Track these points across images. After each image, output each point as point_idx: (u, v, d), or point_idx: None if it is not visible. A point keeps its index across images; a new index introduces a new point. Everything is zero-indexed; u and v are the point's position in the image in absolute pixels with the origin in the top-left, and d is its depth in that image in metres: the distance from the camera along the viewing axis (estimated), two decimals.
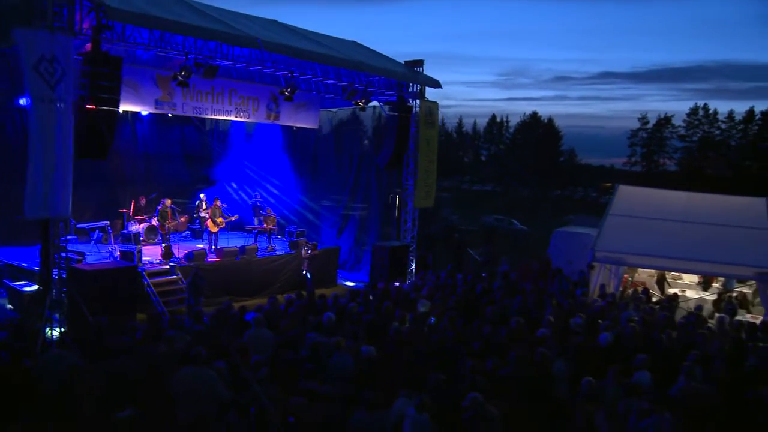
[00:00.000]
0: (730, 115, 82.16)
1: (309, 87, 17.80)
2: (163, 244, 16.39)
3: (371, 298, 13.13)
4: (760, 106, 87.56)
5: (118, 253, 15.44)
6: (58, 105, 10.83)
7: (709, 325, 13.58)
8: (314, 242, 18.17)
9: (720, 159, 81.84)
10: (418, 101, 19.18)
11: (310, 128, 21.23)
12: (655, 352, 10.62)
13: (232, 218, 18.39)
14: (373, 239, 20.68)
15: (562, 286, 15.24)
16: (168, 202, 17.09)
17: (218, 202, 18.07)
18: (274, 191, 21.99)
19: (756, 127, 79.65)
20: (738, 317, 14.72)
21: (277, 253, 18.37)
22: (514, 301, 13.09)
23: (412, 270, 19.85)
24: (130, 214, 18.11)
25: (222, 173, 22.15)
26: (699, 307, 14.65)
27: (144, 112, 18.45)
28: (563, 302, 13.25)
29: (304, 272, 17.37)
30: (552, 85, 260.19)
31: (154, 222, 17.51)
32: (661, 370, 9.74)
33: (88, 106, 11.41)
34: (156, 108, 15.48)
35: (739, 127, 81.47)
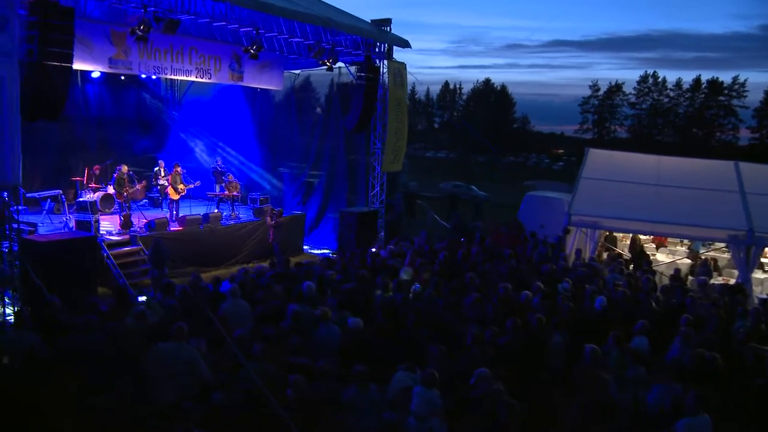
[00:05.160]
0: (678, 83, 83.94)
1: (272, 46, 16.80)
2: (122, 213, 15.40)
3: (338, 264, 12.51)
4: (704, 76, 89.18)
5: (73, 223, 14.44)
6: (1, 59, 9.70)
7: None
8: (280, 209, 17.37)
9: (668, 126, 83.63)
10: (385, 62, 18.39)
11: (270, 92, 20.65)
12: (646, 316, 10.34)
13: (194, 185, 17.48)
14: (340, 206, 19.96)
15: (540, 250, 14.81)
16: (125, 168, 16.10)
17: (179, 168, 17.14)
18: (234, 156, 21.01)
19: (702, 96, 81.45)
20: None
21: (241, 221, 17.57)
22: (499, 267, 12.64)
23: (380, 236, 19.29)
24: (84, 182, 17.02)
25: (179, 138, 21.12)
26: (677, 271, 14.48)
27: (95, 74, 17.37)
28: (544, 267, 12.82)
29: (271, 241, 16.59)
30: (503, 53, 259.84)
31: (110, 190, 16.48)
32: (653, 335, 9.44)
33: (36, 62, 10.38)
34: (110, 67, 14.29)
35: (687, 95, 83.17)
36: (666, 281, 14.02)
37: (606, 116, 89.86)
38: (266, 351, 7.05)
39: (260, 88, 19.17)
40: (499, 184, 49.56)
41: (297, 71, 20.45)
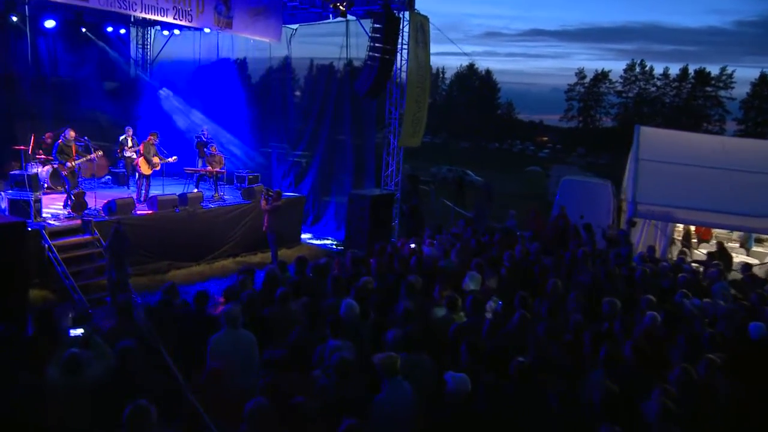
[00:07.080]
0: (666, 73, 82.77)
1: None
2: (73, 192, 11.90)
3: (374, 265, 9.06)
4: (676, 69, 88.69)
5: (5, 203, 11.03)
6: None
7: None
8: (278, 190, 13.92)
9: (655, 115, 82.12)
10: (407, 13, 15.00)
11: (258, 53, 17.81)
12: None
13: (171, 160, 13.97)
14: (344, 188, 16.77)
15: (621, 250, 11.54)
16: (71, 133, 12.46)
17: (154, 138, 13.76)
18: (214, 130, 17.40)
19: (689, 86, 79.91)
20: None
21: (228, 203, 14.19)
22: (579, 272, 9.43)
23: (394, 225, 16.03)
24: (29, 151, 13.38)
25: (151, 107, 17.75)
26: None
27: (49, 23, 15.08)
28: (635, 273, 9.64)
29: (265, 229, 13.18)
30: (482, 41, 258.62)
31: None
32: None
33: None
34: None
35: (674, 85, 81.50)
36: None
37: (591, 104, 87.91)
38: None
39: (252, 39, 15.48)
40: (490, 170, 47.04)
41: (294, 26, 16.94)
